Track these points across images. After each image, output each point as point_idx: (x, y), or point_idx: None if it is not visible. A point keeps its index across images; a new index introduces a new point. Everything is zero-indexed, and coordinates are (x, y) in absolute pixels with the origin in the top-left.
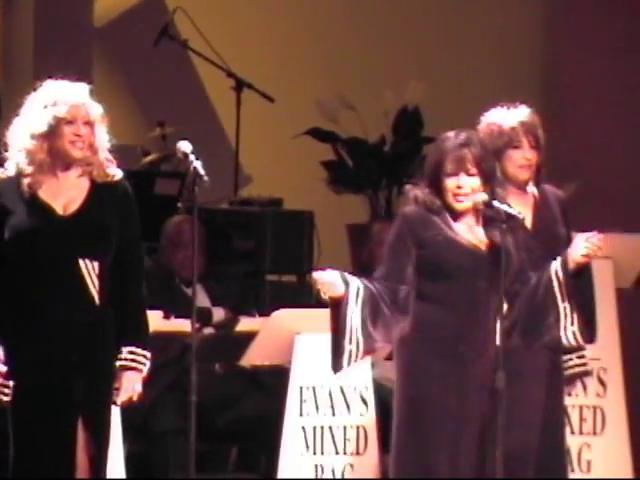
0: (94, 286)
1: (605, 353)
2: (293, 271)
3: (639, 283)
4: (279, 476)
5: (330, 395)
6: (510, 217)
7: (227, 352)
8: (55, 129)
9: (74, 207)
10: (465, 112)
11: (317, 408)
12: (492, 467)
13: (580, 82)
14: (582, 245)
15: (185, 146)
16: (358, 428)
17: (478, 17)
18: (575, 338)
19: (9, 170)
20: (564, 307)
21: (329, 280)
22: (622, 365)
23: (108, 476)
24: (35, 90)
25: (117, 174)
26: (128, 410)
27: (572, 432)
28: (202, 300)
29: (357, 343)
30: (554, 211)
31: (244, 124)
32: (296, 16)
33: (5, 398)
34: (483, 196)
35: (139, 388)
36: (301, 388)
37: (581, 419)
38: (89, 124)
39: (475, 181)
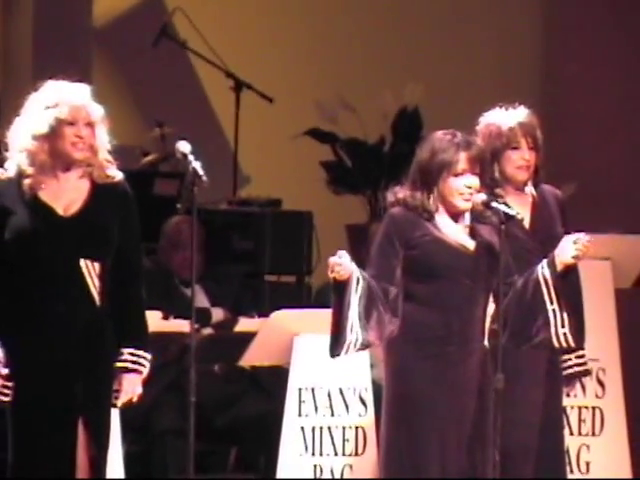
0: (95, 287)
1: (604, 354)
2: (292, 272)
3: (639, 283)
4: (278, 476)
5: (329, 396)
6: (509, 217)
7: (226, 352)
8: (56, 130)
9: (75, 208)
10: (464, 113)
11: (316, 409)
12: (482, 467)
13: (580, 82)
14: (571, 247)
15: (184, 146)
16: (357, 429)
17: (478, 17)
18: (567, 340)
19: (9, 171)
20: (552, 309)
21: (346, 262)
22: (621, 366)
23: (108, 476)
24: (35, 90)
25: (117, 175)
26: (127, 410)
27: (571, 433)
28: (201, 300)
29: (357, 333)
30: (552, 211)
31: (243, 124)
32: (295, 16)
33: (5, 399)
34: (482, 196)
35: (139, 390)
36: (300, 389)
37: (580, 420)
38: (90, 125)
39: (478, 181)
